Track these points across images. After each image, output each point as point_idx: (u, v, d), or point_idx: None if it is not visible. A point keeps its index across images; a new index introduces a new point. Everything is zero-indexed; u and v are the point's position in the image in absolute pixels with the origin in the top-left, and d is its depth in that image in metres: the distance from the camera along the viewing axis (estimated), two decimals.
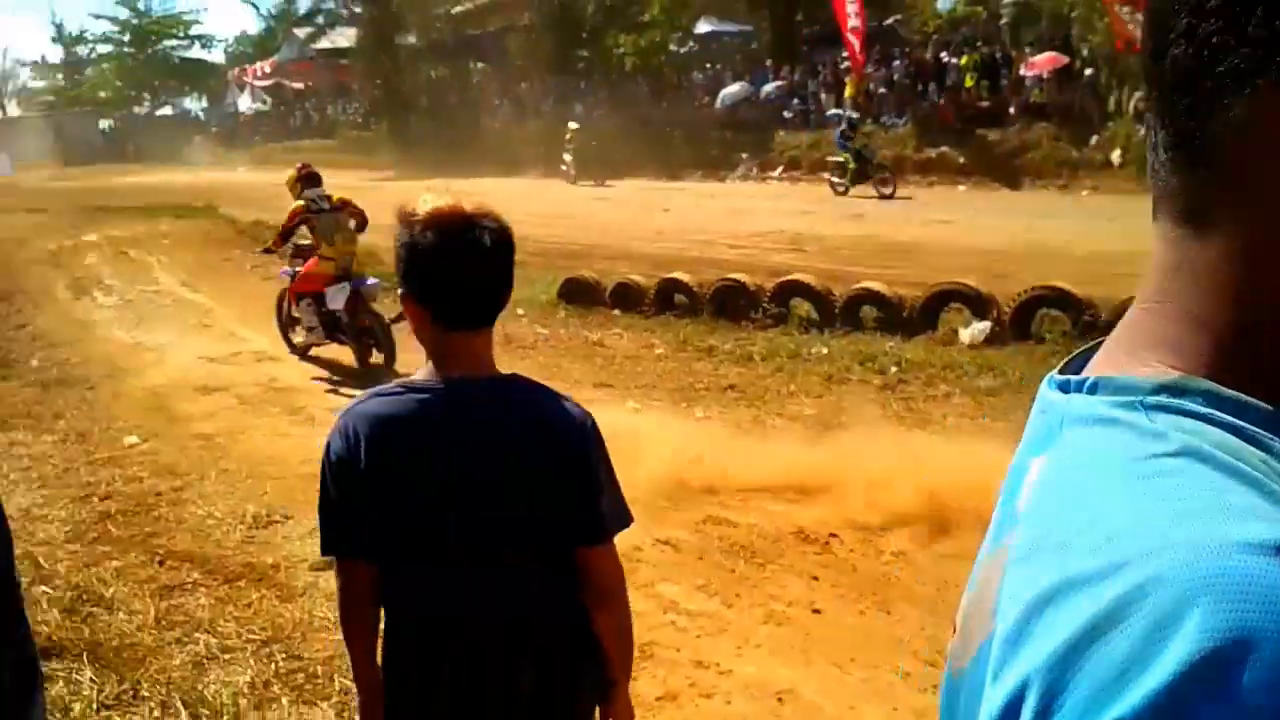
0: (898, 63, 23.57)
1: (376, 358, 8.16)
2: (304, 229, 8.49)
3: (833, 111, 19.74)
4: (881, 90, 23.31)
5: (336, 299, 8.15)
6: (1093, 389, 0.60)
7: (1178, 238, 0.58)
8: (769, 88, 26.02)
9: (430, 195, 1.77)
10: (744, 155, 24.72)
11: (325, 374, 8.43)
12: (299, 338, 8.85)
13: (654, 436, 6.15)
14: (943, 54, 22.56)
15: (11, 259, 11.34)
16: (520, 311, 9.39)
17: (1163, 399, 0.55)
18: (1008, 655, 0.50)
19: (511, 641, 1.83)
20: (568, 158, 25.62)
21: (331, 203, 8.56)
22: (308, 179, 8.62)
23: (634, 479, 5.31)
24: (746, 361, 7.94)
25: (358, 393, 6.77)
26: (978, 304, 8.15)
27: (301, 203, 8.43)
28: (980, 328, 7.88)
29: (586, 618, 1.89)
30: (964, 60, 21.46)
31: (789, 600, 4.24)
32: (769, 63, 27.33)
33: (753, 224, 15.86)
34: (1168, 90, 0.55)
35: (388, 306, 8.08)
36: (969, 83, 21.03)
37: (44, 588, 4.30)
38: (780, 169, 23.55)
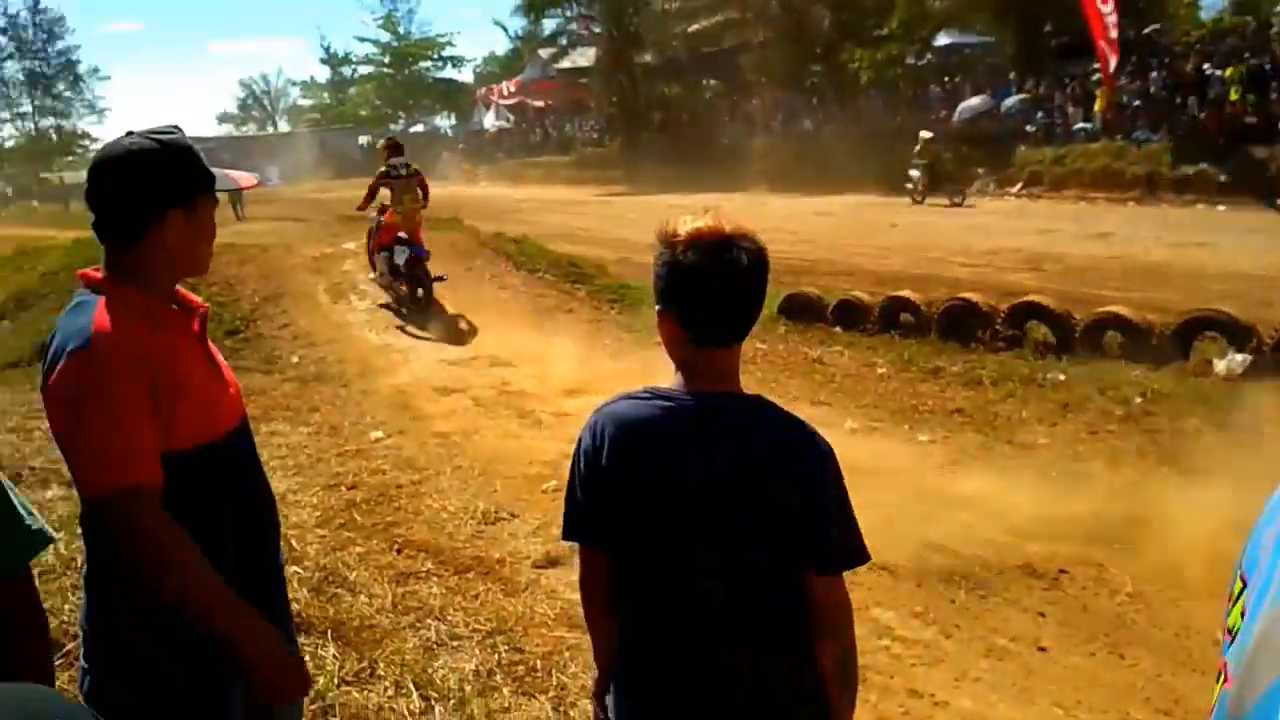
0: (1155, 74, 22.11)
1: (421, 297, 11.07)
2: (385, 191, 11.25)
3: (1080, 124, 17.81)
4: (1136, 103, 21.94)
5: (400, 257, 11.08)
6: None
7: None
8: (1011, 101, 25.03)
9: (690, 216, 1.83)
10: (980, 170, 23.85)
11: (393, 306, 11.34)
12: (375, 275, 11.79)
13: (873, 458, 6.04)
14: (1205, 65, 20.98)
15: (280, 264, 12.37)
16: None
17: None
18: None
19: (732, 655, 1.86)
20: (915, 173, 22.49)
21: (408, 170, 11.30)
22: (393, 149, 11.50)
23: (851, 499, 5.26)
24: (975, 385, 7.63)
25: (422, 333, 6.79)
26: (1236, 333, 7.52)
27: (384, 169, 11.24)
28: (1238, 359, 7.27)
29: (810, 649, 1.89)
30: (1229, 72, 19.88)
31: (1012, 635, 4.07)
32: (1012, 75, 26.29)
33: (987, 241, 15.31)
34: None
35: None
36: (1234, 95, 19.45)
37: (295, 568, 4.63)
38: (1020, 185, 22.58)
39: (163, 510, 1.88)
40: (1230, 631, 0.74)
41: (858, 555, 1.86)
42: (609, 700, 2.02)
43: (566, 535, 1.99)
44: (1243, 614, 0.71)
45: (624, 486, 1.86)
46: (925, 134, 22.71)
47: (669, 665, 1.89)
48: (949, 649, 4.01)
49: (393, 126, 65.97)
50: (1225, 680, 0.62)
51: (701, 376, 1.86)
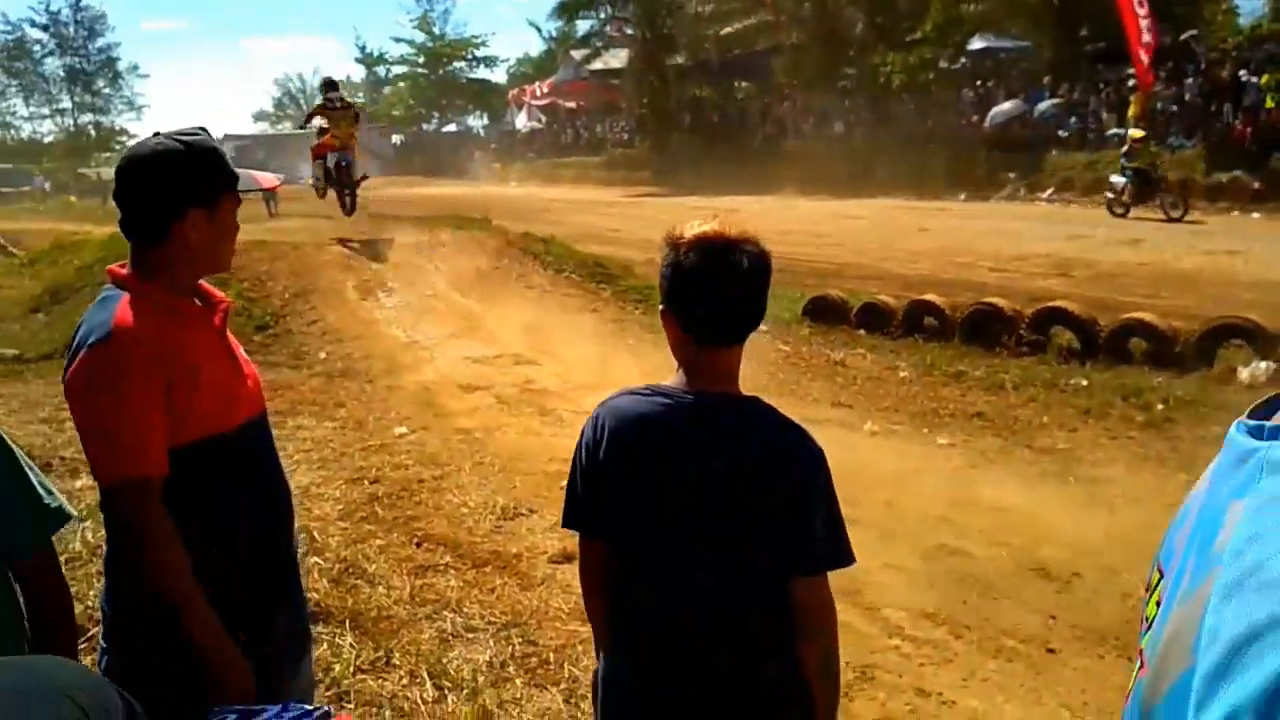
0: (1190, 80, 21.90)
1: (349, 206, 14.49)
2: (321, 119, 14.52)
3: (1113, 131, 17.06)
4: (1171, 109, 21.74)
5: (331, 161, 14.36)
6: None
7: None
8: (1044, 105, 24.84)
9: (698, 220, 1.89)
10: (1012, 175, 23.71)
11: (330, 214, 14.75)
12: (312, 180, 15.25)
13: (891, 461, 6.08)
14: (1241, 72, 20.75)
15: (311, 261, 12.45)
16: (764, 327, 9.37)
17: None
18: (1213, 690, 0.51)
19: (728, 654, 1.90)
20: (1119, 180, 18.48)
21: (343, 104, 14.82)
22: (328, 85, 15.21)
23: (865, 500, 5.32)
24: (997, 390, 7.63)
25: (351, 243, 10.27)
26: (1262, 341, 7.47)
27: (321, 102, 14.77)
28: (1262, 367, 7.22)
29: (792, 654, 1.93)
30: (1265, 79, 19.64)
31: (1022, 637, 4.08)
32: (1046, 80, 26.10)
33: (1016, 247, 15.23)
34: None
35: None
36: (1270, 103, 19.23)
37: (316, 559, 4.73)
38: (1050, 190, 22.42)
39: (160, 505, 1.96)
40: (1147, 620, 0.78)
41: (843, 557, 1.89)
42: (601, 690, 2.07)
43: (566, 523, 2.06)
44: (1158, 604, 0.75)
45: (623, 480, 1.91)
46: (1136, 132, 18.68)
47: (665, 661, 1.93)
48: (958, 649, 4.03)
49: (425, 126, 66.38)
50: (1142, 667, 0.65)
51: (702, 376, 1.91)
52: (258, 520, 2.20)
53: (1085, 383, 7.52)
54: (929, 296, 9.75)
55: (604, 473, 1.93)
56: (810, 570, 1.88)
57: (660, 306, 1.93)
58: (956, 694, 3.72)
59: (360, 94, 74.79)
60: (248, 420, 2.19)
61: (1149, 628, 0.77)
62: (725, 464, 1.85)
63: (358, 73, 75.74)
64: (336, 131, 14.33)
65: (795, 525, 1.85)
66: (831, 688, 1.96)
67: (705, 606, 1.89)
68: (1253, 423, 0.66)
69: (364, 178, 14.94)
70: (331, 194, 14.80)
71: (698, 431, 1.87)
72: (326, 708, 1.89)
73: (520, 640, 4.10)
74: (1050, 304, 8.96)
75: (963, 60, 30.70)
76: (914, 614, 4.31)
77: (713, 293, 1.84)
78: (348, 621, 4.16)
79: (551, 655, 3.97)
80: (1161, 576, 0.78)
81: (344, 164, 14.28)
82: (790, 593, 1.87)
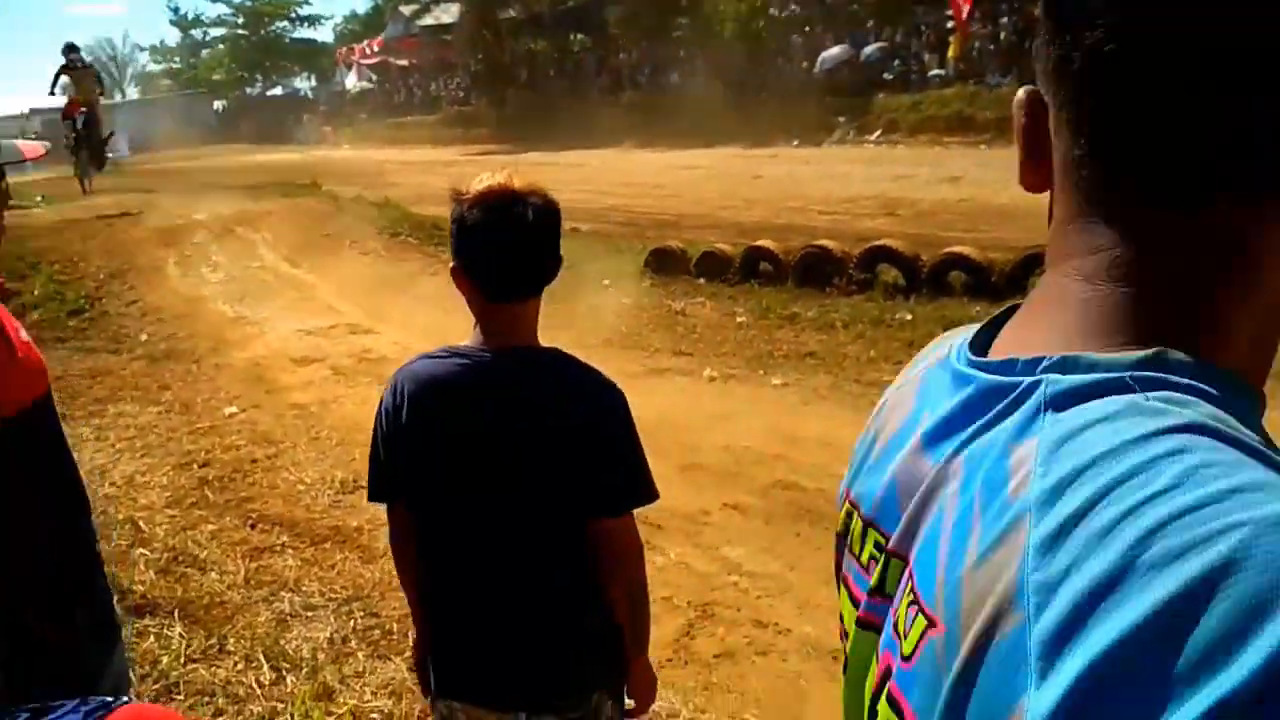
0: (1005, 20, 22.84)
1: (104, 163, 16.67)
2: (66, 80, 15.71)
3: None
4: (990, 48, 22.66)
5: (78, 121, 15.56)
6: (1061, 368, 0.58)
7: (1146, 216, 0.58)
8: (869, 49, 25.46)
9: (486, 175, 1.86)
10: (842, 119, 24.28)
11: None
12: (64, 141, 15.57)
13: (728, 404, 6.22)
14: None
15: (126, 238, 11.81)
16: (606, 282, 9.47)
17: (1147, 373, 0.55)
18: (1060, 649, 0.47)
19: (533, 604, 1.92)
20: None
21: (84, 64, 16.35)
22: (70, 48, 16.03)
23: (705, 445, 5.43)
24: (829, 329, 7.87)
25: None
26: None
27: (65, 63, 15.71)
28: None
29: (601, 594, 1.96)
30: None
31: None
32: (870, 23, 26.76)
33: (846, 189, 15.65)
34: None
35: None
36: None
37: (142, 550, 4.55)
38: (878, 133, 23.09)
39: None
40: (878, 567, 0.71)
41: (642, 494, 1.93)
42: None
43: (373, 497, 2.02)
44: (888, 555, 0.68)
45: (423, 443, 1.90)
46: None
47: (476, 619, 1.94)
48: (794, 580, 4.18)
49: (249, 90, 63.50)
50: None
51: (498, 332, 1.90)
52: (44, 510, 2.09)
53: (909, 317, 7.83)
54: (763, 242, 9.93)
55: (404, 438, 1.91)
56: (615, 511, 1.90)
57: (451, 264, 1.91)
58: (792, 623, 3.86)
59: (177, 59, 71.09)
60: (24, 406, 2.06)
61: (880, 577, 0.71)
62: (525, 416, 1.86)
63: (173, 37, 71.83)
64: (78, 93, 15.69)
65: (598, 469, 1.87)
66: (642, 622, 2.00)
67: (512, 560, 1.90)
68: (994, 360, 0.63)
69: (111, 134, 17.06)
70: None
71: (495, 387, 1.87)
72: (126, 698, 1.83)
73: (362, 614, 4.06)
74: (876, 243, 9.25)
75: (792, 7, 31.13)
76: (751, 549, 4.44)
77: (497, 247, 1.83)
78: (176, 611, 4.03)
79: (395, 625, 3.94)
80: (868, 524, 0.74)
81: (90, 123, 15.81)
82: (597, 534, 1.90)
